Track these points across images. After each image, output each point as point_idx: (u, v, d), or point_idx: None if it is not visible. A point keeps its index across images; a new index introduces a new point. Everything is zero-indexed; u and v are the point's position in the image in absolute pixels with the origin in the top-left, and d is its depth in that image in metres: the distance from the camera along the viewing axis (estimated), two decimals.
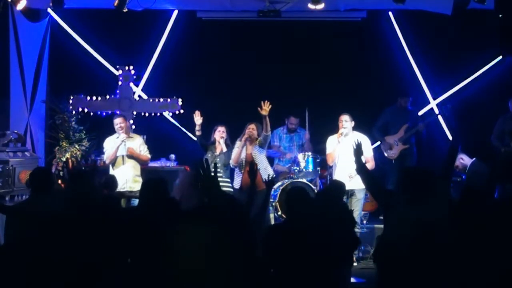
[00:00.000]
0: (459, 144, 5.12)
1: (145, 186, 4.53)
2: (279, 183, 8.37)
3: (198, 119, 7.56)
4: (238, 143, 7.46)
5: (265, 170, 7.38)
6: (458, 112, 8.88)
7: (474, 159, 7.31)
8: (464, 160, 7.31)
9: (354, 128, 7.55)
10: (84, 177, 4.97)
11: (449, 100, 9.49)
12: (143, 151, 7.66)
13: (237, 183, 7.45)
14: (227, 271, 2.58)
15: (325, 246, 3.76)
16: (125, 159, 7.47)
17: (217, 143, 7.50)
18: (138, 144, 7.65)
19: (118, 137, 7.53)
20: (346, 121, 7.43)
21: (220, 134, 7.50)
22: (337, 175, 7.23)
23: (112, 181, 6.58)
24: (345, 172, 7.13)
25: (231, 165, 7.49)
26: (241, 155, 7.39)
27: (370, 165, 7.34)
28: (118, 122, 7.57)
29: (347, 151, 7.32)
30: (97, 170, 6.93)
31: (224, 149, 7.46)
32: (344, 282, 5.04)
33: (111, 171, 7.51)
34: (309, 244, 3.69)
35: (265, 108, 7.27)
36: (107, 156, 7.62)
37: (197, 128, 7.59)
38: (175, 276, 2.53)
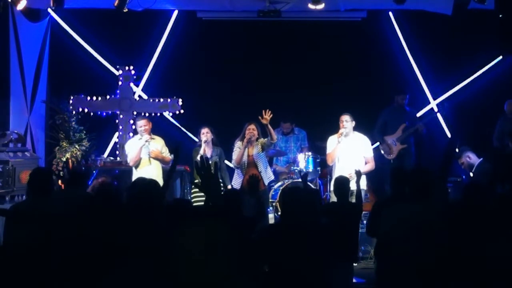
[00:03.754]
0: (456, 143, 5.11)
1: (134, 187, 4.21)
2: (279, 183, 8.38)
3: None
4: (238, 143, 7.38)
5: (266, 172, 7.36)
6: (458, 112, 8.88)
7: (481, 159, 7.29)
8: (471, 158, 7.28)
9: (355, 128, 7.54)
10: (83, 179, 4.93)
11: (448, 99, 9.50)
12: (166, 152, 7.57)
13: (238, 184, 7.37)
14: (226, 268, 2.58)
15: (322, 244, 3.74)
16: (151, 160, 7.36)
17: (202, 145, 7.42)
18: (161, 146, 7.55)
19: (140, 139, 7.42)
20: (346, 121, 7.42)
21: (203, 136, 7.41)
22: (337, 175, 7.22)
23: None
24: (345, 172, 7.11)
25: (232, 166, 7.43)
26: (243, 156, 7.31)
27: (370, 165, 7.35)
28: (142, 124, 7.47)
29: (347, 151, 7.34)
30: (89, 172, 6.77)
31: (209, 150, 7.41)
32: (346, 282, 5.04)
33: (135, 173, 7.41)
34: (306, 242, 3.67)
35: (266, 117, 7.18)
36: (130, 158, 7.46)
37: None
38: (177, 274, 2.54)
